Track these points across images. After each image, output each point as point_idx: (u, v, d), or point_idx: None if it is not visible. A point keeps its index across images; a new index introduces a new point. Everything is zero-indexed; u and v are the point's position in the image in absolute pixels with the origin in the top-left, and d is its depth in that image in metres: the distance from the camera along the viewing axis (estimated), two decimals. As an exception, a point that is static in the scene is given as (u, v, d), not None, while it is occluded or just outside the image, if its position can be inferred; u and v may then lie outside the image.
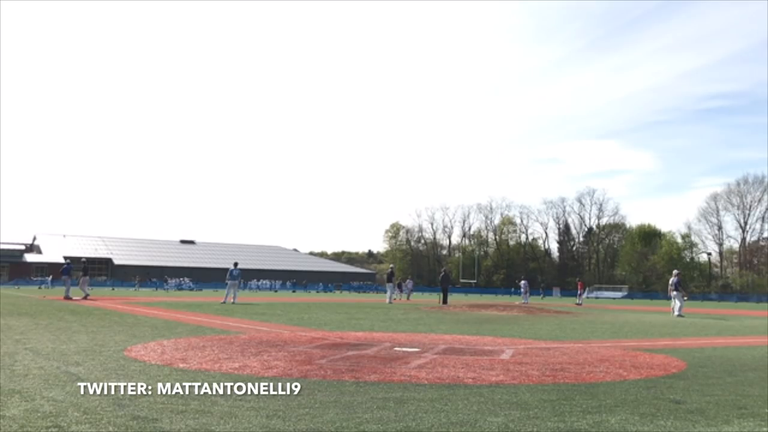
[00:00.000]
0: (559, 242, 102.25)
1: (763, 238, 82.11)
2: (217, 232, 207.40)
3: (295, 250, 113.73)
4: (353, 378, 5.68)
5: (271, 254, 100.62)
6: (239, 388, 5.04)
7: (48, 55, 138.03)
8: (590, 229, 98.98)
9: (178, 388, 4.96)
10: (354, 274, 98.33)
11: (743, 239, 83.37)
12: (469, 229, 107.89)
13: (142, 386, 5.01)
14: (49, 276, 60.82)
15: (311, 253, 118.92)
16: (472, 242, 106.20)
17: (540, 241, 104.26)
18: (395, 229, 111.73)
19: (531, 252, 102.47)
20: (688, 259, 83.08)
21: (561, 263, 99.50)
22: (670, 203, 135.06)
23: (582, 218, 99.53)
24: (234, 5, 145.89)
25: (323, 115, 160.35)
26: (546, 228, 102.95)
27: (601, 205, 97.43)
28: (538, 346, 9.18)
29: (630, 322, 16.85)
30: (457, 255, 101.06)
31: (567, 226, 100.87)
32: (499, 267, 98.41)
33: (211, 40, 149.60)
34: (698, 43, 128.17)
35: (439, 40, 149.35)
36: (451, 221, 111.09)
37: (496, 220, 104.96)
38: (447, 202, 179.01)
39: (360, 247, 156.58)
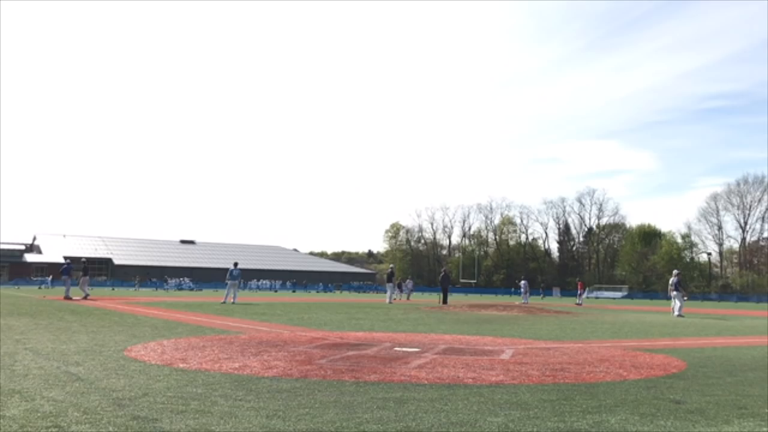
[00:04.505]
0: (559, 242, 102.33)
1: (763, 238, 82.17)
2: (217, 232, 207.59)
3: (295, 250, 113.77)
4: (353, 378, 5.68)
5: (271, 254, 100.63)
6: (239, 388, 5.05)
7: (48, 55, 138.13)
8: (590, 229, 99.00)
9: (178, 388, 4.96)
10: (354, 274, 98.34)
11: (743, 239, 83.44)
12: (469, 229, 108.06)
13: (142, 386, 5.02)
14: (49, 276, 60.85)
15: (311, 253, 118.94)
16: (472, 242, 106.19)
17: (540, 241, 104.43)
18: (395, 229, 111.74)
19: (531, 252, 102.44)
20: (688, 259, 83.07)
21: (561, 263, 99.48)
22: (670, 203, 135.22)
23: (582, 218, 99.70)
24: (234, 5, 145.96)
25: (323, 115, 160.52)
26: (546, 228, 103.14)
27: (601, 205, 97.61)
28: (538, 346, 9.18)
29: (630, 322, 16.85)
30: (457, 255, 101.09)
31: (567, 226, 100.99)
32: (499, 267, 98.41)
33: (211, 40, 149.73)
34: (698, 43, 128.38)
35: (439, 41, 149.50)
36: (451, 221, 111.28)
37: (496, 220, 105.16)
38: (447, 202, 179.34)
39: (360, 247, 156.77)
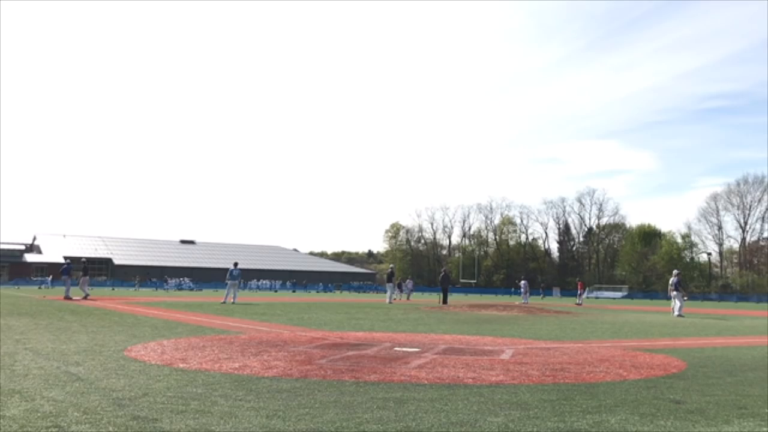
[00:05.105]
0: (559, 242, 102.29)
1: (763, 238, 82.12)
2: (217, 232, 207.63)
3: (295, 250, 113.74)
4: (353, 378, 5.68)
5: (271, 254, 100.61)
6: (239, 388, 5.05)
7: (48, 55, 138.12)
8: (590, 229, 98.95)
9: (178, 388, 4.96)
10: (354, 274, 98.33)
11: (743, 239, 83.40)
12: (469, 229, 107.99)
13: (142, 386, 5.02)
14: (49, 276, 60.84)
15: (311, 253, 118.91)
16: (472, 242, 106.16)
17: (540, 241, 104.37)
18: (395, 229, 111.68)
19: (531, 252, 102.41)
20: (688, 259, 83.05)
21: (561, 263, 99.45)
22: (670, 203, 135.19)
23: (582, 218, 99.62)
24: (234, 5, 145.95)
25: (323, 115, 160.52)
26: (546, 228, 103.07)
27: (601, 205, 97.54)
28: (538, 346, 9.18)
29: (630, 322, 16.85)
30: (457, 255, 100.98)
31: (567, 226, 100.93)
32: (499, 267, 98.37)
33: (211, 40, 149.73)
34: (698, 43, 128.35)
35: (439, 41, 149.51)
36: (451, 221, 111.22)
37: (496, 220, 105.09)
38: (447, 202, 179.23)
39: (360, 247, 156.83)
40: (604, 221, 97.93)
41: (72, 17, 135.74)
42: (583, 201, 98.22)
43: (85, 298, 24.39)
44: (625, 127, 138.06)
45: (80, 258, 34.22)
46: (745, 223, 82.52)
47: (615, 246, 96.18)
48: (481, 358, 7.40)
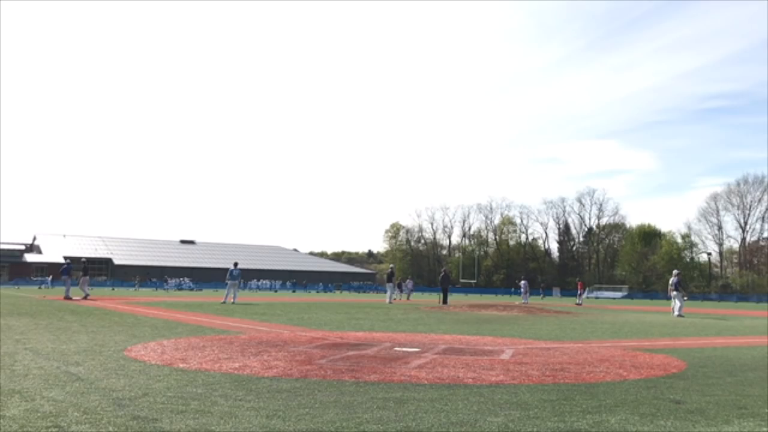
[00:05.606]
0: (559, 242, 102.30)
1: (763, 238, 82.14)
2: (217, 232, 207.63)
3: (295, 250, 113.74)
4: (353, 378, 5.68)
5: (271, 254, 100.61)
6: (239, 388, 5.05)
7: (48, 55, 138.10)
8: (590, 229, 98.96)
9: (178, 388, 4.96)
10: (354, 274, 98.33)
11: (743, 239, 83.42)
12: (469, 229, 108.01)
13: (142, 386, 5.02)
14: (49, 276, 60.83)
15: (311, 253, 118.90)
16: (472, 242, 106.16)
17: (540, 241, 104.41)
18: (395, 229, 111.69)
19: (531, 252, 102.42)
20: (688, 259, 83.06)
21: (561, 263, 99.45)
22: (670, 203, 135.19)
23: (582, 218, 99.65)
24: (234, 5, 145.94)
25: (323, 115, 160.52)
26: (546, 228, 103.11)
27: (601, 205, 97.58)
28: (538, 346, 9.18)
29: (630, 322, 16.85)
30: (457, 255, 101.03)
31: (567, 226, 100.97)
32: (499, 267, 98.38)
33: (211, 40, 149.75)
34: (698, 43, 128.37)
35: (439, 41, 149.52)
36: (451, 221, 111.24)
37: (496, 220, 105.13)
38: (447, 202, 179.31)
39: (360, 247, 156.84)
40: (604, 221, 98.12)
41: (72, 17, 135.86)
42: (583, 201, 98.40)
43: (85, 298, 24.40)
44: (625, 127, 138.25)
45: (80, 258, 34.22)
46: (745, 223, 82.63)
47: (615, 246, 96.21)
48: (481, 358, 7.40)
